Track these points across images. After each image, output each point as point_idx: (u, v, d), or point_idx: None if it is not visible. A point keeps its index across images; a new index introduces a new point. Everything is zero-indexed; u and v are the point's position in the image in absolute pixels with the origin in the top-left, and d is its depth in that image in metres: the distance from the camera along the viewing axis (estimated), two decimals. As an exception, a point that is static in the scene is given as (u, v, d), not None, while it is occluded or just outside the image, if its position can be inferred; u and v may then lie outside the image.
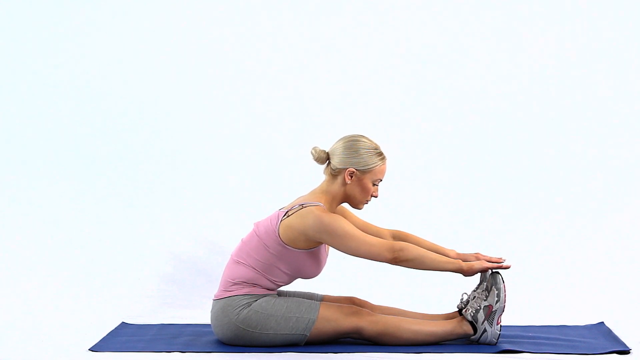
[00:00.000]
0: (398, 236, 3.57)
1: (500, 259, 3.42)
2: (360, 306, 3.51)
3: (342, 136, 3.42)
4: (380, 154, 3.38)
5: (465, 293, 3.49)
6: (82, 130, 5.17)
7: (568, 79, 5.19)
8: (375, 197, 3.41)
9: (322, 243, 3.35)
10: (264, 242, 3.34)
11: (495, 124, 5.19)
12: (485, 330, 3.37)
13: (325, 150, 3.40)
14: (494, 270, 3.41)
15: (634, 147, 5.09)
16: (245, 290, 3.35)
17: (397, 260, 3.28)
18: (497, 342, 3.37)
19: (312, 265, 3.37)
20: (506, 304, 3.39)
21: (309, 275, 3.40)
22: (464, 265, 3.34)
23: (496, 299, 3.36)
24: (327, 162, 3.40)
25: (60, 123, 5.18)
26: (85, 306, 4.11)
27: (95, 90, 5.21)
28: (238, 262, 3.37)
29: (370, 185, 3.37)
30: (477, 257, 3.44)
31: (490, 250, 4.71)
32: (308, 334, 3.33)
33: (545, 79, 5.20)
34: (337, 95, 5.25)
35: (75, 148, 5.14)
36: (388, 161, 3.41)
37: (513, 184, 5.08)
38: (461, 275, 3.36)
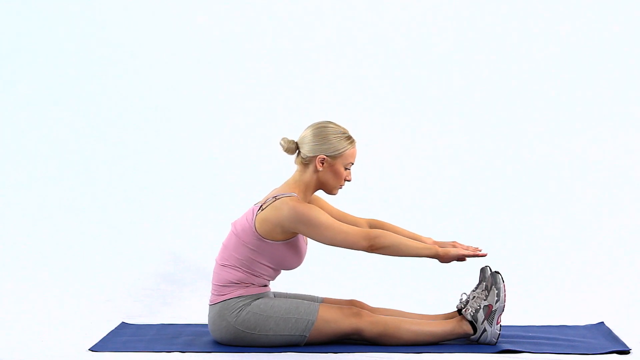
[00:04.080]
0: (375, 225, 3.57)
1: (477, 248, 3.41)
2: (360, 308, 3.50)
3: (309, 124, 3.41)
4: (349, 137, 3.38)
5: (465, 293, 3.49)
6: (82, 130, 5.17)
7: (568, 78, 5.19)
8: (349, 181, 3.41)
9: (299, 233, 3.34)
10: (242, 239, 3.35)
11: (496, 123, 5.19)
12: (485, 330, 3.37)
13: (294, 140, 3.40)
14: (493, 270, 3.42)
15: (634, 147, 5.09)
16: (239, 291, 3.35)
17: (374, 247, 3.29)
18: (497, 342, 3.37)
19: (292, 256, 3.37)
20: (506, 303, 3.39)
21: (291, 265, 3.40)
22: (440, 250, 3.33)
23: (496, 298, 3.36)
24: (297, 151, 3.40)
25: (60, 123, 5.18)
26: (85, 306, 4.11)
27: (95, 89, 5.21)
28: (223, 266, 3.38)
29: (343, 169, 3.37)
30: (454, 245, 3.44)
31: (491, 250, 4.73)
32: (308, 335, 3.33)
33: (545, 78, 5.20)
34: (337, 95, 5.25)
35: (75, 148, 5.14)
36: (357, 144, 3.39)
37: (513, 184, 5.08)
38: (437, 261, 3.36)
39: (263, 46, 5.27)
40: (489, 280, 3.40)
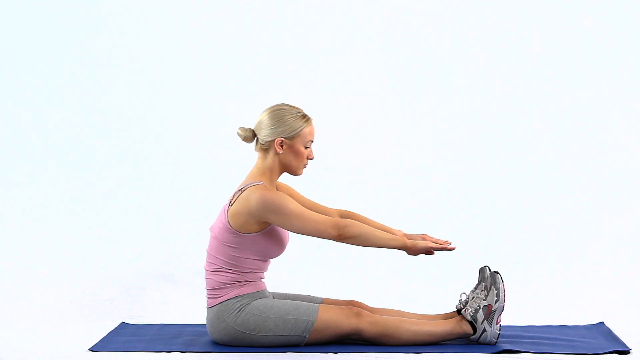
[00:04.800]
0: (345, 215, 3.56)
1: (447, 241, 3.41)
2: (359, 308, 3.50)
3: (263, 110, 3.40)
4: (304, 116, 3.38)
5: (464, 293, 3.49)
6: (82, 129, 5.17)
7: (568, 79, 5.19)
8: (312, 159, 3.41)
9: (270, 223, 3.33)
10: (221, 241, 3.35)
11: (496, 123, 5.20)
12: (484, 330, 3.36)
13: (250, 128, 3.39)
14: (493, 270, 3.42)
15: (634, 147, 5.09)
16: (235, 292, 3.34)
17: (342, 237, 3.28)
18: (496, 342, 3.37)
19: (274, 245, 3.36)
20: (505, 303, 3.39)
21: (275, 253, 3.40)
22: (409, 242, 3.33)
23: (495, 298, 3.36)
24: (255, 139, 3.39)
25: (60, 122, 5.18)
26: (85, 306, 4.11)
27: (95, 90, 5.21)
28: (212, 271, 3.37)
29: (303, 149, 3.37)
30: (424, 237, 3.43)
31: (490, 250, 4.73)
32: (307, 336, 3.33)
33: (545, 78, 5.21)
34: (336, 95, 5.25)
35: (75, 147, 5.15)
36: (313, 121, 3.39)
37: (513, 184, 5.08)
38: (405, 253, 3.36)
39: (263, 46, 5.27)
40: (489, 280, 3.40)
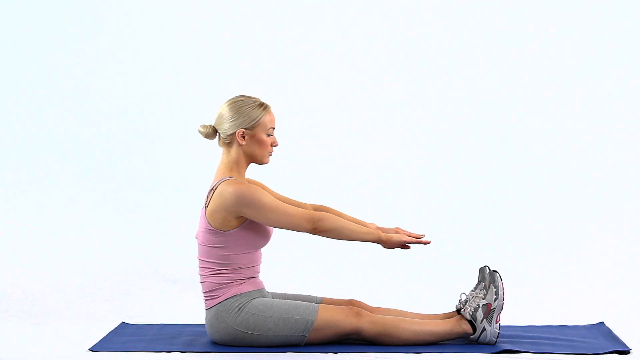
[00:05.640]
0: (320, 209, 3.57)
1: (421, 235, 3.42)
2: (359, 308, 3.50)
3: (220, 105, 3.41)
4: (262, 104, 3.38)
5: (464, 293, 3.49)
6: (82, 129, 5.17)
7: (568, 79, 5.19)
8: (276, 145, 3.41)
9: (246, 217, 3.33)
10: (207, 244, 3.35)
11: (497, 123, 5.20)
12: (484, 329, 3.36)
13: (210, 125, 3.40)
14: (492, 269, 3.42)
15: (634, 147, 5.09)
16: (232, 291, 3.34)
17: (317, 230, 3.30)
18: (496, 342, 3.37)
19: (259, 235, 3.36)
20: (504, 302, 3.39)
21: (263, 243, 3.40)
22: (383, 236, 3.35)
23: (494, 297, 3.36)
24: (217, 134, 3.40)
25: (60, 122, 5.18)
26: (85, 306, 4.11)
27: (96, 89, 5.21)
28: (206, 275, 3.37)
29: (265, 137, 3.37)
30: (397, 231, 3.45)
31: (491, 250, 4.73)
32: (307, 335, 3.33)
33: (545, 78, 5.20)
34: (336, 94, 5.26)
35: (76, 147, 5.15)
36: (272, 108, 3.40)
37: (513, 184, 5.08)
38: (380, 246, 3.38)
39: (262, 46, 5.28)
40: (488, 279, 3.40)
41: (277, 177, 4.73)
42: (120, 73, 5.23)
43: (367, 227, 3.46)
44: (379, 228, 3.47)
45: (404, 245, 3.39)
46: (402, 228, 3.48)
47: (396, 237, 3.37)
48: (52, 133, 5.17)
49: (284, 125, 5.21)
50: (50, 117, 5.19)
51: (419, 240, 3.39)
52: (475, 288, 3.43)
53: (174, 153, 5.16)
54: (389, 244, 3.37)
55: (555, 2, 5.24)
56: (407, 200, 5.05)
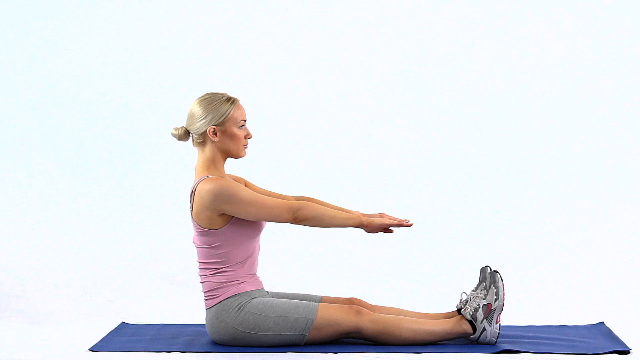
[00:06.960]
0: (302, 199, 3.55)
1: (405, 220, 3.40)
2: (359, 306, 3.50)
3: (189, 105, 3.40)
4: (229, 99, 3.37)
5: (465, 293, 3.49)
6: (83, 128, 5.17)
7: (568, 78, 5.19)
8: (250, 137, 3.40)
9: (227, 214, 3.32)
10: (203, 247, 3.35)
11: (497, 122, 5.20)
12: (484, 329, 3.36)
13: (182, 126, 3.39)
14: (493, 269, 3.42)
15: (634, 147, 5.09)
16: (233, 290, 3.34)
17: (298, 219, 3.30)
18: (496, 342, 3.37)
19: (251, 227, 3.36)
20: (505, 302, 3.39)
21: (257, 233, 3.39)
22: (364, 220, 3.34)
23: (495, 297, 3.36)
24: (189, 134, 3.39)
25: (60, 122, 5.18)
26: (85, 306, 4.11)
27: (95, 90, 5.21)
28: (207, 276, 3.37)
29: (237, 130, 3.36)
30: (382, 216, 3.43)
31: (491, 250, 4.73)
32: (307, 334, 3.32)
33: (545, 78, 5.20)
34: (336, 95, 5.25)
35: (75, 147, 5.15)
36: (240, 101, 3.38)
37: (513, 183, 5.08)
38: (363, 231, 3.37)
39: (262, 46, 5.28)
40: (488, 280, 3.40)
41: (276, 175, 4.77)
42: (121, 73, 5.23)
43: (350, 213, 3.44)
44: (363, 214, 3.44)
45: (387, 229, 3.38)
46: (387, 213, 3.45)
47: (378, 221, 3.35)
48: (52, 133, 5.17)
49: (282, 123, 5.23)
50: (50, 117, 5.19)
51: (400, 223, 3.37)
52: (476, 288, 3.43)
53: (174, 153, 5.16)
54: (370, 228, 3.36)
55: (555, 2, 5.24)
56: (407, 200, 5.05)
